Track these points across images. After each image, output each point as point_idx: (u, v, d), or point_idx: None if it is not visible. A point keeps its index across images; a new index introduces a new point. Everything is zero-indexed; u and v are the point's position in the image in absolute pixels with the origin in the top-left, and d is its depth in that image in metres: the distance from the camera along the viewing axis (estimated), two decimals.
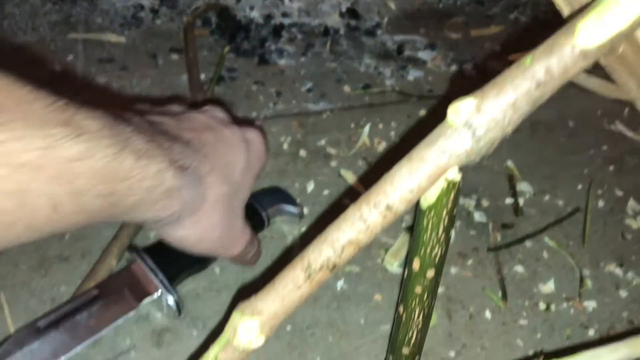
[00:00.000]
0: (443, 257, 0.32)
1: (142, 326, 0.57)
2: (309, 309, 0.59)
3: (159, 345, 0.56)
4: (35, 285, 0.60)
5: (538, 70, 0.26)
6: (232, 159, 0.51)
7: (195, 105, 0.58)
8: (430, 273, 0.32)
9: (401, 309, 0.35)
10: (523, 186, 0.74)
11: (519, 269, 0.65)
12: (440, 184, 0.29)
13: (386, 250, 0.65)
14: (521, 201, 0.72)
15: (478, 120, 0.27)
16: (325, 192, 0.72)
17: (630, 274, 0.65)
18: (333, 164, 0.76)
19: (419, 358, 0.37)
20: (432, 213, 0.30)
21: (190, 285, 0.60)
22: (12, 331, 0.55)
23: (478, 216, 0.70)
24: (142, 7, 1.13)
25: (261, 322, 0.31)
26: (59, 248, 0.63)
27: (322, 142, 0.79)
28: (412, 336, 0.35)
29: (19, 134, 0.30)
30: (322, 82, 1.00)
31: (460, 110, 0.28)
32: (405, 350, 0.36)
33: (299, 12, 1.14)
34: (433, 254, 0.32)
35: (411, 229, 0.66)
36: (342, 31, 1.11)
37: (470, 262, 0.65)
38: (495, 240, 0.67)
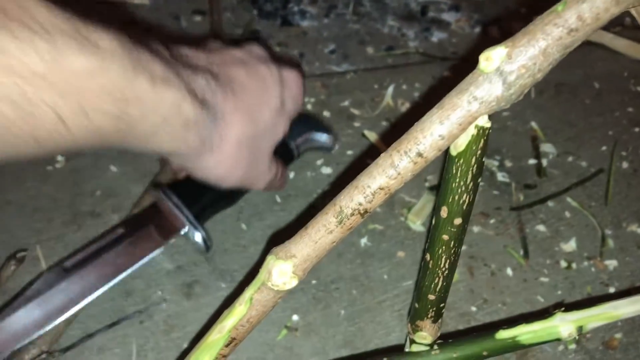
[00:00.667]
0: (470, 205, 0.33)
1: (172, 278, 0.59)
2: (333, 265, 0.61)
3: (189, 297, 0.58)
4: (69, 239, 0.62)
5: (570, 17, 0.27)
6: (263, 98, 0.48)
7: (236, 42, 0.55)
8: (458, 221, 0.33)
9: (428, 256, 0.36)
10: (546, 147, 0.74)
11: (541, 228, 0.65)
12: (471, 131, 0.30)
13: (409, 209, 0.66)
14: (544, 162, 0.72)
15: (509, 67, 0.28)
16: (349, 152, 0.73)
17: None
18: (356, 124, 0.77)
19: (444, 306, 0.38)
20: (462, 160, 0.31)
21: (218, 239, 0.61)
22: None
23: (501, 176, 0.71)
24: None
25: (294, 264, 0.32)
26: (91, 204, 0.65)
27: (346, 103, 0.80)
28: (437, 283, 0.36)
29: (22, 41, 0.29)
30: (345, 43, 0.99)
31: (492, 57, 0.28)
32: (431, 297, 0.37)
33: None
34: (461, 202, 0.32)
35: (434, 189, 0.67)
36: None
37: (492, 221, 0.66)
38: (517, 200, 0.68)
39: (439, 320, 0.39)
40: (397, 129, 0.76)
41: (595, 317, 0.41)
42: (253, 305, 0.33)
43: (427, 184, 0.70)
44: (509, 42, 0.28)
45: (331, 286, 0.59)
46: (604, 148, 0.74)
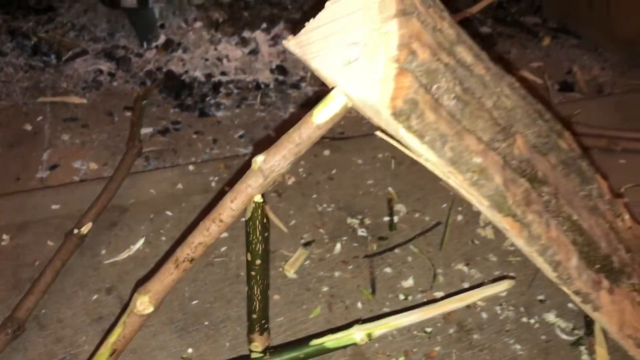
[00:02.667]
0: (265, 251, 0.51)
1: (94, 326, 0.75)
2: (222, 309, 0.78)
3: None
4: (11, 301, 0.78)
5: (296, 137, 0.46)
6: None
7: None
8: (258, 261, 0.52)
9: (247, 288, 0.54)
10: (399, 207, 0.94)
11: (388, 270, 0.84)
12: (251, 204, 0.49)
13: (286, 261, 0.85)
14: (396, 219, 0.92)
15: (266, 167, 0.47)
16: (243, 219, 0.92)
17: (473, 270, 0.85)
18: None
19: (266, 322, 0.56)
20: (251, 222, 0.50)
21: None
22: None
23: (360, 231, 0.90)
24: (101, 71, 1.34)
25: (150, 297, 0.50)
26: (30, 272, 0.82)
27: None
28: (256, 305, 0.54)
29: None
30: (252, 129, 1.20)
31: (257, 161, 0.48)
32: (254, 316, 0.55)
33: (235, 70, 1.36)
34: (257, 248, 0.51)
35: (307, 245, 0.85)
36: (271, 85, 1.33)
37: (350, 267, 0.85)
38: (371, 249, 0.87)
39: (265, 334, 0.56)
40: (282, 198, 0.96)
41: (380, 326, 0.59)
42: (126, 326, 0.51)
43: (302, 241, 0.88)
44: (266, 152, 0.48)
45: (220, 325, 0.76)
46: (444, 205, 0.95)
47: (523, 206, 0.45)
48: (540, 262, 0.49)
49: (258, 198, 0.48)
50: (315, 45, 0.45)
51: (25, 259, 0.84)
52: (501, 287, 0.63)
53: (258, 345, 0.56)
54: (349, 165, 1.03)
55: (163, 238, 0.88)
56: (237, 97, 1.29)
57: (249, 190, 0.47)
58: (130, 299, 0.70)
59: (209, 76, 1.33)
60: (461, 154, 0.41)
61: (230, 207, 0.47)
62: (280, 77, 1.34)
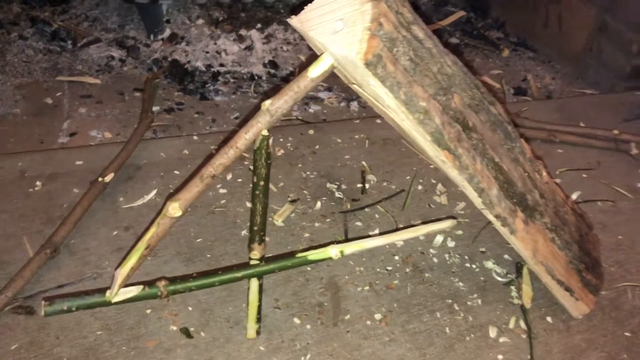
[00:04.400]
0: (267, 174, 0.69)
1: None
2: (221, 246, 0.95)
3: None
4: (46, 233, 0.94)
5: (295, 86, 0.64)
6: None
7: None
8: (262, 183, 0.69)
9: (251, 204, 0.71)
10: (370, 177, 1.12)
11: (359, 223, 1.02)
12: (260, 136, 0.66)
13: (275, 213, 1.02)
14: (367, 186, 1.10)
15: (272, 108, 0.65)
16: (239, 180, 1.09)
17: None
18: (246, 162, 1.13)
19: (263, 234, 0.73)
20: (260, 151, 0.67)
21: None
22: None
23: (337, 194, 1.08)
24: (113, 57, 1.50)
25: (179, 203, 0.67)
26: (60, 212, 0.97)
27: None
28: (257, 219, 0.71)
29: None
30: (246, 112, 1.38)
31: (266, 104, 0.65)
32: (255, 228, 0.72)
33: (232, 63, 1.53)
34: (262, 172, 0.68)
35: (293, 201, 1.03)
36: (264, 77, 1.51)
37: (328, 220, 1.02)
38: (346, 207, 1.05)
39: (263, 244, 0.73)
40: (272, 166, 1.13)
41: (350, 246, 0.76)
42: (159, 226, 0.67)
43: (289, 199, 1.06)
44: (272, 97, 0.65)
45: (220, 258, 0.93)
46: (408, 177, 1.13)
47: (455, 142, 0.63)
48: (469, 189, 0.68)
49: (265, 132, 0.65)
50: (312, 21, 0.63)
51: (55, 201, 1.00)
52: (446, 224, 0.81)
53: (257, 253, 0.73)
54: (330, 143, 1.21)
55: (172, 191, 1.05)
56: (233, 86, 1.46)
57: (259, 125, 0.65)
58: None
59: (209, 66, 1.50)
60: (411, 98, 0.59)
61: (245, 137, 0.65)
62: (272, 71, 1.52)
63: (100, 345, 0.78)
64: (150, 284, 0.73)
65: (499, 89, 1.55)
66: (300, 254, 0.75)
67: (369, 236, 0.99)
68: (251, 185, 0.71)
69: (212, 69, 1.49)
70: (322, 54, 0.64)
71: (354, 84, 0.66)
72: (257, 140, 0.67)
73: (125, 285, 0.71)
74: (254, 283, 0.76)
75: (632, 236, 1.06)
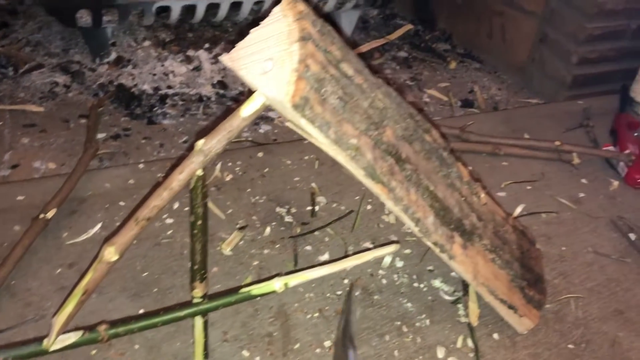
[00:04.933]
0: (205, 213, 0.68)
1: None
2: (169, 279, 0.94)
3: None
4: None
5: (228, 125, 0.64)
6: None
7: None
8: (199, 222, 0.69)
9: (190, 244, 0.71)
10: (320, 199, 1.13)
11: (308, 248, 1.02)
12: (194, 177, 0.66)
13: (223, 242, 1.01)
14: (317, 208, 1.11)
15: (205, 148, 0.64)
16: (186, 209, 1.08)
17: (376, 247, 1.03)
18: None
19: (204, 272, 0.72)
20: (195, 190, 0.67)
21: None
22: None
23: (287, 218, 1.08)
24: (57, 83, 1.48)
25: (115, 247, 0.66)
26: None
27: None
28: (197, 258, 0.70)
29: None
30: (195, 136, 1.37)
31: (199, 144, 0.65)
32: (195, 267, 0.71)
33: (180, 84, 1.52)
34: (199, 211, 0.68)
35: (242, 228, 1.02)
36: (213, 98, 1.50)
37: (277, 246, 1.02)
38: (295, 232, 1.05)
39: (204, 282, 0.73)
40: (221, 191, 1.13)
41: (295, 277, 0.76)
42: (96, 271, 0.66)
43: (237, 226, 1.05)
44: (205, 137, 0.65)
45: (167, 292, 0.92)
46: (357, 198, 1.14)
47: (388, 175, 0.64)
48: (405, 218, 0.69)
49: (199, 172, 0.65)
50: (242, 60, 0.63)
51: None
52: (389, 250, 0.82)
53: (198, 291, 0.72)
54: (279, 165, 1.21)
55: (117, 224, 1.03)
56: (181, 108, 1.45)
57: (192, 166, 0.64)
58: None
59: (156, 89, 1.48)
60: (341, 136, 0.60)
61: (179, 178, 0.64)
62: (221, 91, 1.51)
63: None
64: (90, 328, 0.72)
65: (447, 102, 1.58)
66: (243, 290, 0.75)
67: (319, 261, 1.00)
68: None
69: (160, 92, 1.47)
70: (254, 92, 0.64)
71: (288, 120, 0.66)
72: (192, 180, 0.66)
73: (65, 331, 0.69)
74: (199, 321, 0.76)
75: (575, 247, 1.09)
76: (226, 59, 0.65)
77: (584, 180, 1.26)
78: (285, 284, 0.75)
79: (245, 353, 0.84)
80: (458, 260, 0.75)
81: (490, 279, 0.81)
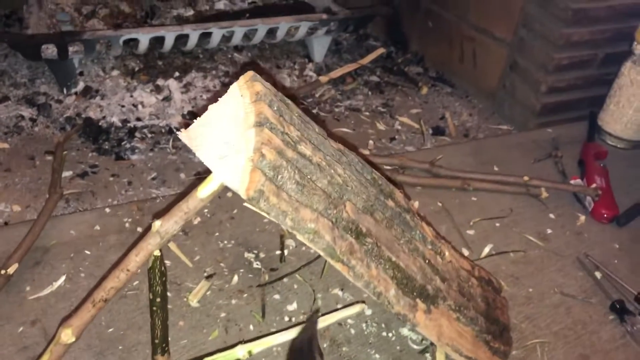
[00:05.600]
0: (163, 291, 0.68)
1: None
2: (135, 335, 0.92)
3: None
4: None
5: (185, 206, 0.63)
6: None
7: None
8: (158, 299, 0.68)
9: (150, 317, 0.70)
10: (289, 242, 1.12)
11: (277, 296, 1.02)
12: (151, 257, 0.65)
13: (190, 292, 1.00)
14: (286, 252, 1.10)
15: (162, 230, 0.64)
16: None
17: (347, 294, 1.03)
18: None
19: (166, 345, 0.72)
20: (152, 270, 0.66)
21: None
22: None
23: (255, 264, 1.07)
24: (22, 117, 1.45)
25: (72, 329, 0.65)
26: None
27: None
28: (157, 333, 0.70)
29: None
30: (164, 171, 1.35)
31: (156, 225, 0.64)
32: (156, 341, 0.70)
33: (149, 116, 1.50)
34: (157, 290, 0.67)
35: (209, 277, 1.01)
36: (183, 129, 1.48)
37: (245, 295, 1.02)
38: (264, 280, 1.04)
39: (166, 354, 0.72)
40: (188, 236, 1.12)
41: (258, 344, 0.76)
42: (52, 354, 0.65)
43: (205, 274, 1.04)
44: (162, 219, 0.64)
45: (132, 349, 0.91)
46: None
47: (348, 255, 0.64)
48: (367, 292, 0.69)
49: (157, 252, 0.64)
50: (199, 139, 0.62)
51: None
52: (353, 310, 0.82)
53: None
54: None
55: (82, 274, 1.02)
56: (150, 141, 1.43)
57: (149, 247, 0.63)
58: (52, 331, 0.84)
59: (125, 121, 1.46)
60: (299, 222, 0.60)
61: (135, 259, 0.63)
62: (192, 122, 1.49)
63: None
64: None
65: (418, 130, 1.58)
66: (207, 359, 0.75)
67: (287, 311, 0.99)
68: (150, 298, 0.70)
69: (129, 124, 1.45)
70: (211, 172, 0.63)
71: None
72: (150, 260, 0.65)
73: None
74: None
75: (541, 287, 1.10)
76: (183, 135, 0.64)
77: (551, 215, 1.28)
78: (249, 352, 0.75)
79: None
80: (422, 327, 0.75)
81: (455, 338, 0.81)
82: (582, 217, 1.28)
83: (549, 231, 1.23)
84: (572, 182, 1.33)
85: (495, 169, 1.39)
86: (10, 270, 0.96)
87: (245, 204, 1.17)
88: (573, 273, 1.14)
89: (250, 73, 0.63)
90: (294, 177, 0.60)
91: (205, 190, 0.62)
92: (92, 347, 0.90)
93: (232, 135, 0.60)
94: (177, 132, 0.65)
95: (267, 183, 0.57)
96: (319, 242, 0.62)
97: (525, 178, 1.29)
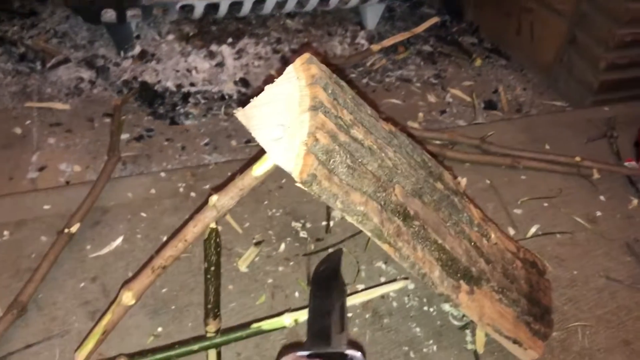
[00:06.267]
0: (218, 261, 0.71)
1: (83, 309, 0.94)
2: (186, 296, 0.97)
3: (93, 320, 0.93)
4: (14, 287, 0.96)
5: (240, 183, 0.66)
6: None
7: None
8: (212, 268, 0.71)
9: (204, 283, 0.74)
10: (335, 213, 1.15)
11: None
12: (208, 228, 0.68)
13: (239, 258, 1.04)
14: (332, 223, 1.13)
15: (219, 204, 0.67)
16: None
17: (390, 268, 1.06)
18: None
19: (218, 310, 0.76)
20: (209, 241, 0.69)
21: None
22: None
23: (302, 233, 1.10)
24: (82, 79, 1.50)
25: (132, 293, 0.69)
26: (28, 263, 1.00)
27: (207, 187, 1.18)
28: (210, 299, 0.74)
29: None
30: (216, 137, 1.39)
31: (213, 200, 0.67)
32: (209, 306, 0.74)
33: (202, 82, 1.53)
34: (213, 259, 0.71)
35: (258, 244, 1.05)
36: (235, 96, 1.51)
37: (291, 263, 1.05)
38: (310, 249, 1.08)
39: (217, 319, 0.76)
40: (239, 203, 1.15)
41: (304, 314, 0.79)
42: (114, 314, 0.70)
43: (254, 241, 1.08)
44: (218, 194, 0.67)
45: (184, 309, 0.96)
46: None
47: (395, 237, 0.65)
48: (412, 273, 0.71)
49: (213, 225, 0.67)
50: (255, 119, 0.65)
51: (23, 252, 1.02)
52: (397, 286, 0.84)
53: (212, 327, 0.76)
54: None
55: (139, 236, 1.07)
56: (203, 107, 1.47)
57: (206, 220, 0.67)
58: (111, 288, 0.90)
59: (179, 86, 1.50)
60: (348, 205, 0.62)
61: (193, 230, 0.67)
62: (243, 89, 1.52)
63: None
64: None
65: (470, 103, 1.56)
66: (254, 325, 0.79)
67: None
68: (205, 264, 0.74)
69: (183, 89, 1.49)
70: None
71: None
72: (206, 232, 0.69)
73: None
74: (212, 352, 0.80)
75: (587, 270, 1.09)
76: (240, 114, 0.66)
77: (602, 198, 1.26)
78: (295, 320, 0.78)
79: None
80: (464, 307, 0.77)
81: (496, 319, 0.83)
82: (635, 201, 1.25)
83: (599, 213, 1.22)
84: (626, 164, 1.31)
85: (547, 147, 1.37)
86: (73, 229, 1.02)
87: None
88: (620, 258, 1.13)
89: (306, 55, 0.64)
90: (345, 161, 0.61)
91: (260, 169, 0.64)
92: (147, 306, 0.96)
93: (286, 118, 0.61)
94: (235, 111, 0.67)
95: (320, 167, 0.59)
96: (367, 224, 0.64)
97: (577, 158, 1.26)
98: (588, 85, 1.52)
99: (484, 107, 1.56)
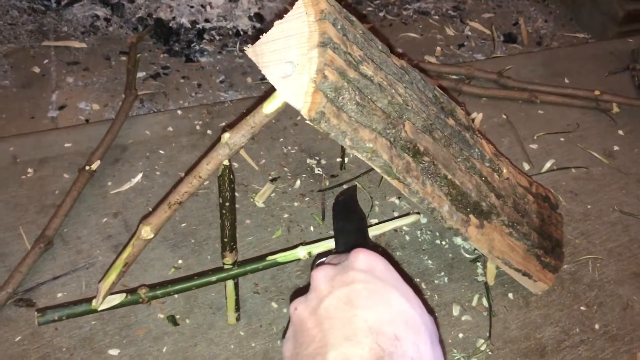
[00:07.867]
0: (232, 197, 0.73)
1: (106, 242, 0.98)
2: (205, 230, 1.01)
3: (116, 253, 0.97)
4: (40, 222, 1.00)
5: (251, 122, 0.67)
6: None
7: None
8: (227, 204, 0.74)
9: (220, 219, 0.76)
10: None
11: None
12: (222, 165, 0.70)
13: (256, 193, 1.07)
14: (346, 160, 1.14)
15: (231, 142, 0.68)
16: None
17: (403, 203, 1.07)
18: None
19: (234, 243, 0.78)
20: (223, 178, 0.71)
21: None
22: None
23: (317, 170, 1.12)
24: (97, 16, 1.50)
25: (150, 227, 0.72)
26: (52, 199, 1.03)
27: (223, 124, 1.19)
28: (226, 233, 0.76)
29: None
30: (231, 74, 1.39)
31: (225, 137, 0.68)
32: (225, 240, 0.77)
33: (217, 18, 1.52)
34: (226, 195, 0.73)
35: (273, 180, 1.07)
36: (250, 32, 1.49)
37: (307, 198, 1.07)
38: (324, 185, 1.09)
39: (234, 252, 0.79)
40: (255, 140, 1.17)
41: (317, 247, 0.82)
42: (134, 247, 0.73)
43: (270, 177, 1.10)
44: (230, 131, 0.68)
45: (203, 243, 1.00)
46: None
47: (404, 173, 0.66)
48: (421, 208, 0.72)
49: (226, 162, 0.69)
50: (265, 56, 0.65)
51: (47, 188, 1.05)
52: (409, 220, 0.86)
53: (229, 259, 0.79)
54: None
55: (157, 172, 1.10)
56: (218, 44, 1.46)
57: (219, 157, 0.68)
58: (132, 223, 0.93)
59: (194, 23, 1.49)
60: (357, 142, 0.62)
61: (206, 167, 0.69)
62: (258, 25, 1.50)
63: (95, 335, 0.86)
64: (132, 291, 0.80)
65: (489, 36, 1.53)
66: (270, 257, 0.82)
67: None
68: (220, 200, 0.76)
69: (197, 26, 1.48)
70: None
71: None
72: (220, 168, 0.71)
73: (111, 293, 0.78)
74: (229, 282, 0.83)
75: (601, 205, 1.10)
76: (250, 51, 0.66)
77: (620, 132, 1.24)
78: (309, 253, 0.81)
79: (274, 305, 0.92)
80: (473, 240, 0.78)
81: (506, 252, 0.85)
82: None
83: (616, 148, 1.21)
84: None
85: (566, 81, 1.35)
86: (94, 166, 1.05)
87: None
88: (636, 192, 1.13)
89: None
90: (354, 98, 0.62)
91: (270, 106, 0.65)
92: (167, 239, 1.00)
93: (295, 54, 0.61)
94: (245, 48, 0.67)
95: (328, 105, 0.59)
96: (377, 161, 0.65)
97: (597, 92, 1.24)
98: (612, 15, 1.47)
99: (504, 40, 1.52)
